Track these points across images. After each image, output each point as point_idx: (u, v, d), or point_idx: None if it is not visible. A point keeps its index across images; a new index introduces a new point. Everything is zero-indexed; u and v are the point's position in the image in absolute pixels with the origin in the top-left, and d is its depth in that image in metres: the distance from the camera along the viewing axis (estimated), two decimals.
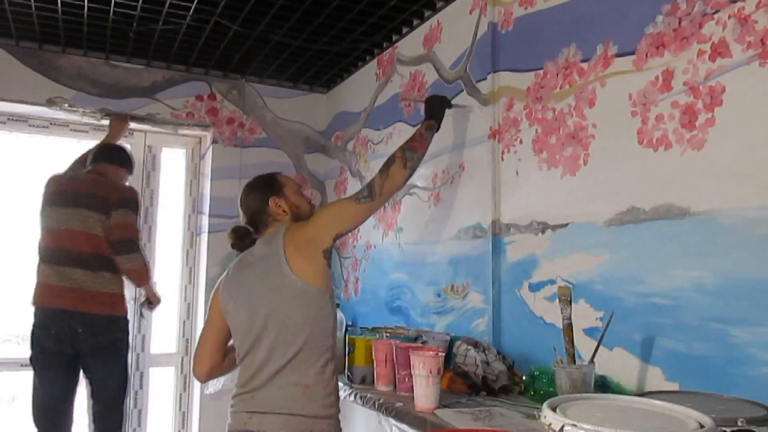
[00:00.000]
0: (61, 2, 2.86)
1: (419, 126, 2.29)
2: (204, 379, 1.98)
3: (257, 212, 1.96)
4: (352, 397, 2.07)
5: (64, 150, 3.63)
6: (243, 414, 1.73)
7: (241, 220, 2.02)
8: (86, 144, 3.65)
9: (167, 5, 2.84)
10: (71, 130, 3.60)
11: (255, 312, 1.77)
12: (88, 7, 2.89)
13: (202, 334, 1.96)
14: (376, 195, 1.98)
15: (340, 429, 1.78)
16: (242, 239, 1.97)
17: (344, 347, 2.28)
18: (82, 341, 2.66)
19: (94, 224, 2.76)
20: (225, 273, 1.95)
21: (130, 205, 2.88)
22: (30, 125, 3.54)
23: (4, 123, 3.47)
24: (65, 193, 2.82)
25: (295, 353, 1.71)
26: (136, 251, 2.83)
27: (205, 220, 3.76)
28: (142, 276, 2.87)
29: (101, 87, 3.52)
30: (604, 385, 1.71)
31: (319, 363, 1.74)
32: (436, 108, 2.39)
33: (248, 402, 1.74)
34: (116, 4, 2.86)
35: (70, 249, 2.73)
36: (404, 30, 3.11)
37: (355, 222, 1.98)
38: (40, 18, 3.03)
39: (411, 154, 2.12)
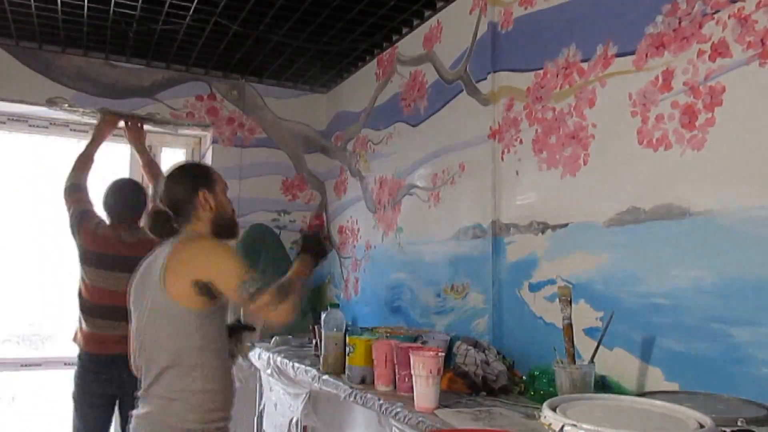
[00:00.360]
0: (61, 2, 2.85)
1: (306, 261, 2.02)
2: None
3: (182, 202, 1.90)
4: (351, 398, 2.06)
5: (64, 150, 3.63)
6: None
7: (161, 205, 1.94)
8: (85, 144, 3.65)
9: (167, 5, 2.84)
10: (71, 130, 3.60)
11: (138, 322, 1.88)
12: (88, 7, 2.89)
13: None
14: (254, 305, 1.74)
15: None
16: (162, 225, 1.91)
17: (344, 347, 2.28)
18: (127, 383, 2.72)
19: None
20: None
21: None
22: (30, 125, 3.54)
23: (4, 123, 3.47)
24: (112, 257, 2.82)
25: (160, 371, 1.79)
26: None
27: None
28: None
29: (101, 87, 3.52)
30: (604, 385, 1.71)
31: (186, 380, 1.78)
32: (318, 247, 2.12)
33: (138, 402, 1.88)
34: (116, 4, 2.85)
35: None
36: (404, 30, 3.11)
37: (224, 293, 1.80)
38: (40, 18, 3.03)
39: (298, 296, 1.84)
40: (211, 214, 1.92)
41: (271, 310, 1.74)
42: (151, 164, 3.28)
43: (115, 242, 2.84)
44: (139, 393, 1.86)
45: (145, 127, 3.60)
